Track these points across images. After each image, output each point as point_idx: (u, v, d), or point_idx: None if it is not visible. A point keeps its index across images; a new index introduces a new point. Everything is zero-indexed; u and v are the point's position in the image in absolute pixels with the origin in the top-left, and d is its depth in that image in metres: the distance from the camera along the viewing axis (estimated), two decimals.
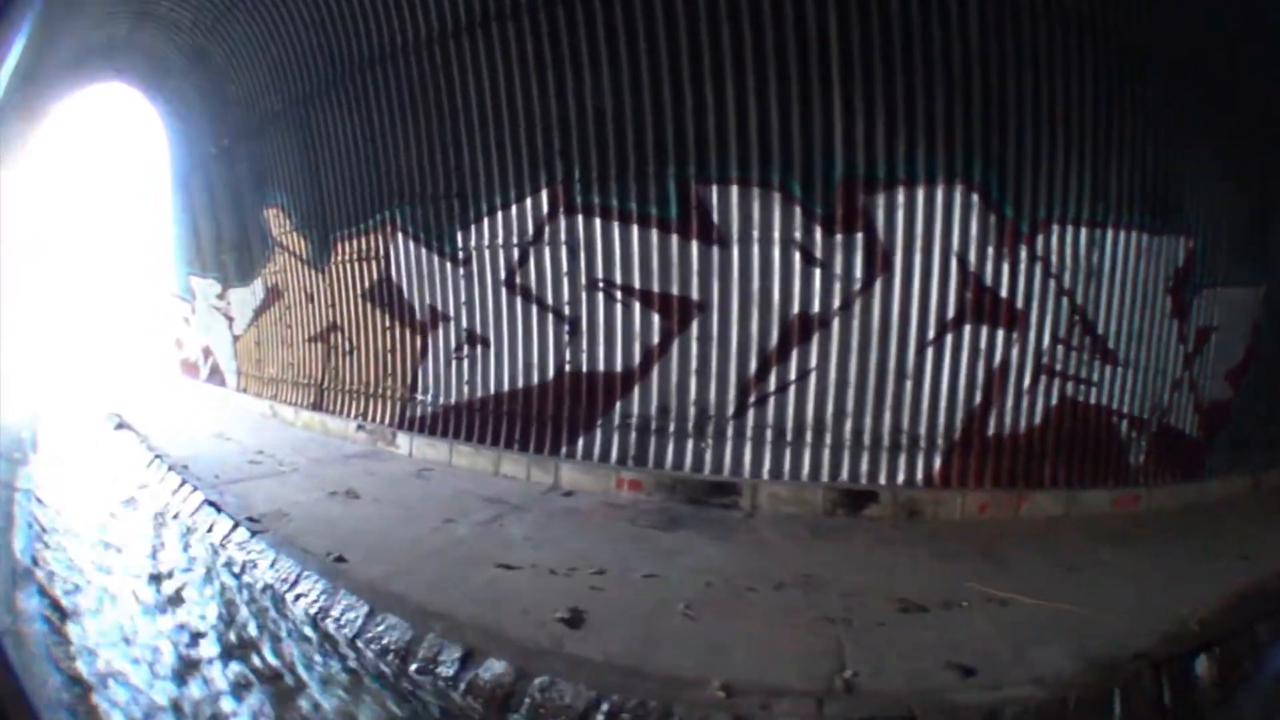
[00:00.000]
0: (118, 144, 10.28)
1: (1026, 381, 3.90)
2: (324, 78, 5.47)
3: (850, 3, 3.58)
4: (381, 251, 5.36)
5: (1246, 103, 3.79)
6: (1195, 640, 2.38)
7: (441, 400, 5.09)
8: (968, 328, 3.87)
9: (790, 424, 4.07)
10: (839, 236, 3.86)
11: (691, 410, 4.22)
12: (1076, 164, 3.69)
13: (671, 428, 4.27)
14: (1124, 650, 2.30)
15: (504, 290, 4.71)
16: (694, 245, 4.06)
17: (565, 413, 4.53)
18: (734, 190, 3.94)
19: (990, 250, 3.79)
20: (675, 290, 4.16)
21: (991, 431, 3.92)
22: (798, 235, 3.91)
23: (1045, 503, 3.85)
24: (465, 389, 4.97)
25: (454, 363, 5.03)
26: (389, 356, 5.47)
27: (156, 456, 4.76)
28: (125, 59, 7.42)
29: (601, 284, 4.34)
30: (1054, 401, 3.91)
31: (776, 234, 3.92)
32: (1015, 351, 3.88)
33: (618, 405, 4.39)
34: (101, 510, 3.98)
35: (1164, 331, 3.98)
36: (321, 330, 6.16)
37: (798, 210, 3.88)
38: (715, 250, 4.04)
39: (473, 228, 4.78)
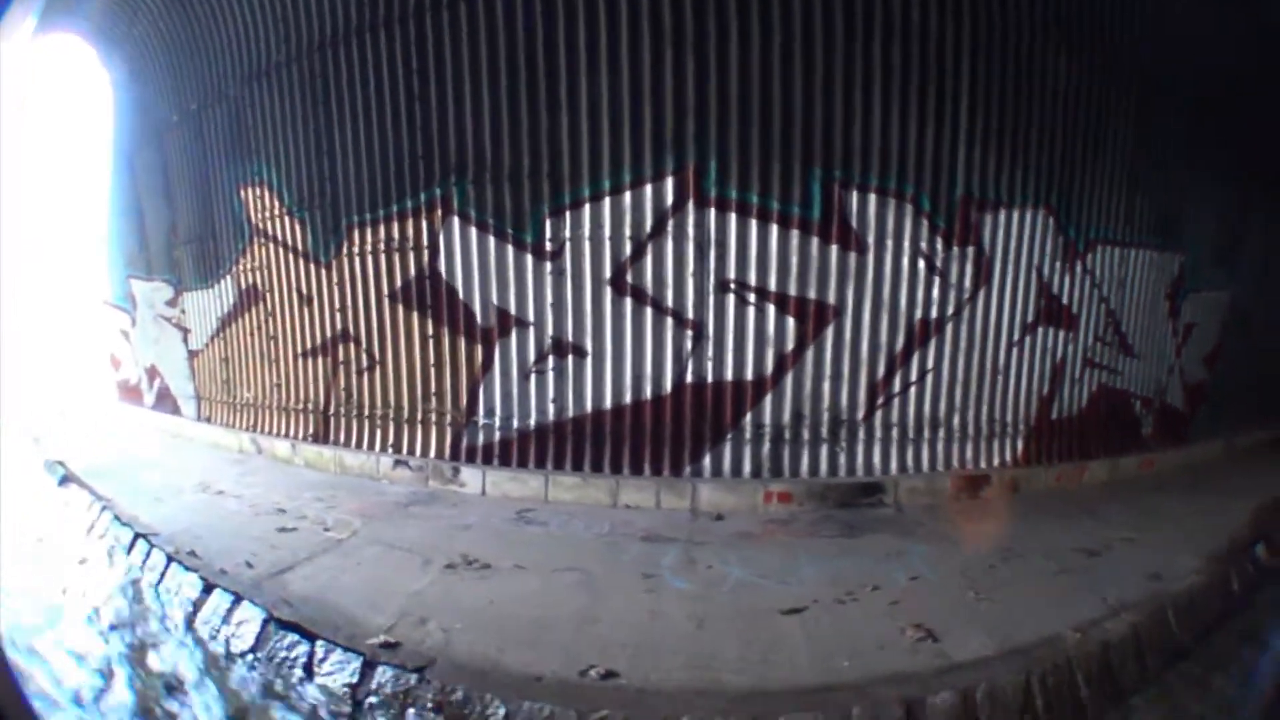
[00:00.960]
0: (50, 116, 8.25)
1: (1078, 373, 5.09)
2: (359, 19, 4.48)
3: (980, 45, 4.32)
4: (426, 240, 4.57)
5: (1222, 152, 5.52)
6: (1248, 538, 3.73)
7: (517, 424, 4.56)
8: (1040, 330, 4.91)
9: (912, 421, 4.65)
10: (955, 249, 4.56)
11: (825, 415, 4.54)
12: (1115, 195, 4.96)
13: (806, 435, 4.54)
14: (1218, 550, 3.52)
15: (609, 290, 4.45)
16: (833, 249, 4.41)
17: (689, 428, 4.48)
18: (872, 198, 4.38)
19: (1058, 264, 4.87)
20: (813, 294, 4.44)
21: (1055, 416, 5.02)
22: (924, 245, 4.51)
23: (1097, 470, 5.05)
24: (552, 408, 4.54)
25: (533, 377, 4.56)
26: (433, 372, 4.68)
27: (139, 536, 3.39)
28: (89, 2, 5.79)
29: (734, 285, 4.42)
30: (1094, 389, 5.18)
31: (907, 243, 4.47)
32: (1071, 349, 5.03)
33: (748, 415, 4.51)
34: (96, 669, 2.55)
35: (1163, 328, 5.54)
36: (326, 341, 5.00)
37: (925, 222, 4.49)
38: (853, 255, 4.44)
39: (567, 215, 4.40)
